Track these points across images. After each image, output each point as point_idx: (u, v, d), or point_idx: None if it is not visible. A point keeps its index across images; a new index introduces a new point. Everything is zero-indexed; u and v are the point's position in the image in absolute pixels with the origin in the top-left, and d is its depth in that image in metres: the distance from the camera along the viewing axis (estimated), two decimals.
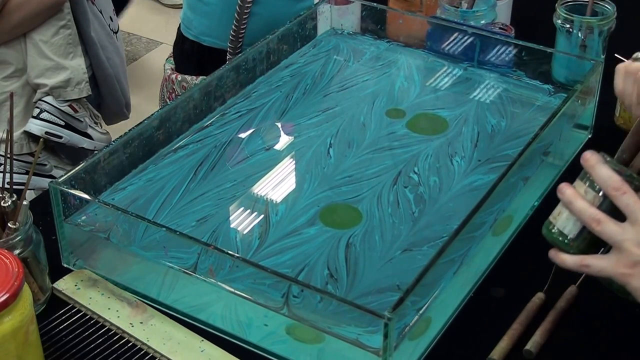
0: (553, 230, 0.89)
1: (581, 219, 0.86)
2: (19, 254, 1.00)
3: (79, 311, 1.05)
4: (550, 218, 0.90)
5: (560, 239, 0.89)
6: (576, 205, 0.86)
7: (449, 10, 1.47)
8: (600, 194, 0.86)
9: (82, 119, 1.72)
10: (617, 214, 0.85)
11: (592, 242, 0.87)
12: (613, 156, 0.90)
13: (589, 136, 1.36)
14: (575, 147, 1.33)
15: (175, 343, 1.00)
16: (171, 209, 1.17)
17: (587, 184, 0.87)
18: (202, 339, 1.01)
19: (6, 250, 0.92)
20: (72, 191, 1.09)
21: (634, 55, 1.27)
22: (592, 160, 0.86)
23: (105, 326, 1.03)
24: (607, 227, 0.84)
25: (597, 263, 0.86)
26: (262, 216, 1.16)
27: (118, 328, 1.03)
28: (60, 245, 1.12)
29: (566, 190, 0.88)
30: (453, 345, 1.02)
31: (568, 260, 0.88)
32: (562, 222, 0.89)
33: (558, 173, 1.27)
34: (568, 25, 1.42)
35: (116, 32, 1.85)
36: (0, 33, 1.62)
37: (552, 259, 0.90)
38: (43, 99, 1.67)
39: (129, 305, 1.05)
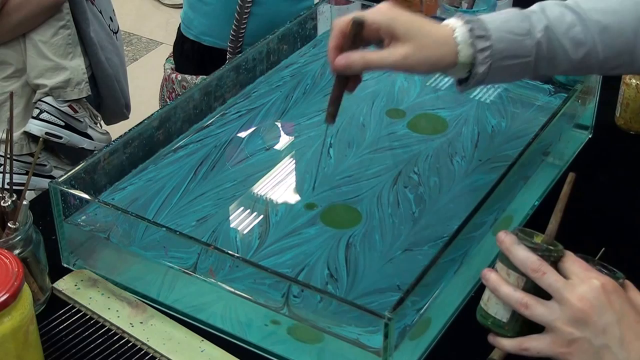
0: (486, 316, 0.89)
1: (509, 305, 0.86)
2: (18, 254, 1.00)
3: (79, 311, 1.05)
4: (481, 304, 0.89)
5: (495, 324, 0.88)
6: (502, 292, 0.86)
7: (449, 10, 1.47)
8: (522, 274, 0.85)
9: (81, 119, 1.72)
10: (542, 289, 0.84)
11: (526, 322, 0.86)
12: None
13: (589, 136, 1.36)
14: (575, 147, 1.33)
15: (175, 343, 1.00)
16: (171, 209, 1.17)
17: (508, 266, 0.86)
18: (202, 339, 1.01)
19: (6, 250, 0.92)
20: (72, 191, 1.09)
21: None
22: (507, 242, 0.86)
23: (105, 326, 1.03)
24: (536, 309, 0.84)
25: (534, 345, 0.85)
26: (262, 216, 1.16)
27: (118, 328, 1.03)
28: (60, 245, 1.12)
29: (490, 276, 0.87)
30: (453, 345, 1.02)
31: (507, 344, 0.87)
32: (492, 307, 0.88)
33: (558, 173, 1.27)
34: None
35: (116, 33, 1.85)
36: (0, 33, 1.62)
37: (492, 344, 0.89)
38: (43, 99, 1.67)
39: (129, 305, 1.05)
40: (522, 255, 0.85)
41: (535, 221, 1.19)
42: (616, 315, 0.81)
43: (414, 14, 1.00)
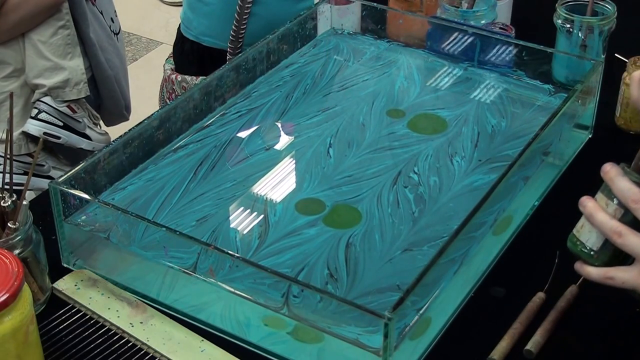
0: (577, 243, 0.90)
1: (602, 232, 0.87)
2: (18, 254, 1.00)
3: (79, 311, 1.05)
4: (574, 231, 0.91)
5: (584, 251, 0.89)
6: (597, 218, 0.87)
7: (449, 10, 1.47)
8: (621, 206, 0.86)
9: (80, 120, 1.72)
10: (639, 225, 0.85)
11: (615, 254, 0.87)
12: (630, 162, 0.90)
13: (589, 136, 1.36)
14: (575, 147, 1.33)
15: (175, 343, 1.00)
16: (171, 209, 1.17)
17: (608, 197, 0.87)
18: (202, 339, 1.01)
19: (6, 250, 0.92)
20: (72, 191, 1.09)
21: None
22: (612, 172, 0.87)
23: (105, 326, 1.03)
24: (629, 239, 0.84)
25: (620, 275, 0.86)
26: (261, 216, 1.16)
27: (118, 328, 1.03)
28: (60, 245, 1.12)
29: (587, 203, 0.88)
30: (453, 345, 1.02)
31: (593, 272, 0.88)
32: (585, 235, 0.89)
33: (558, 173, 1.27)
34: (568, 25, 1.42)
35: (117, 34, 1.85)
36: None
37: (578, 271, 0.90)
38: (41, 99, 1.67)
39: (129, 305, 1.05)
40: (625, 186, 0.85)
41: (536, 221, 1.19)
42: None
43: None
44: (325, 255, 1.09)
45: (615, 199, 0.87)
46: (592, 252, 0.89)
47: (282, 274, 0.97)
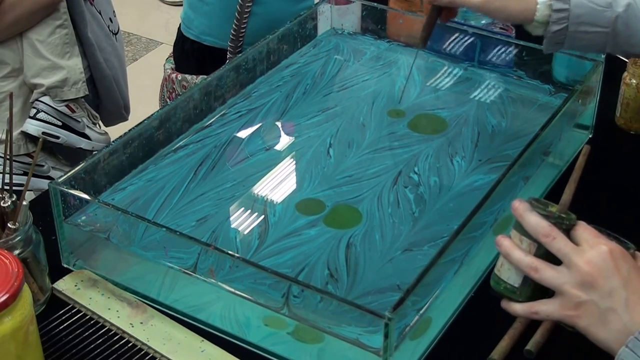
0: (499, 282, 0.91)
1: (520, 269, 0.88)
2: (18, 254, 1.00)
3: (79, 311, 1.05)
4: (495, 271, 0.92)
5: (508, 289, 0.90)
6: (513, 256, 0.88)
7: None
8: (535, 240, 0.87)
9: (79, 119, 1.72)
10: (554, 256, 0.86)
11: (537, 288, 0.88)
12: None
13: (590, 136, 1.36)
14: (575, 147, 1.33)
15: (175, 343, 1.00)
16: (171, 209, 1.17)
17: (521, 233, 0.88)
18: (202, 339, 1.01)
19: (6, 251, 0.92)
20: (72, 191, 1.09)
21: None
22: (520, 209, 0.88)
23: (105, 326, 1.03)
24: (545, 273, 0.86)
25: (543, 308, 0.87)
26: (262, 216, 1.16)
27: (118, 328, 1.03)
28: (60, 246, 1.12)
29: (503, 242, 0.89)
30: (453, 345, 1.02)
31: (518, 309, 0.89)
32: (505, 273, 0.90)
33: (558, 173, 1.27)
34: None
35: (116, 34, 1.85)
36: None
37: (505, 309, 0.91)
38: (40, 99, 1.67)
39: (129, 306, 1.05)
40: (534, 221, 0.87)
41: None
42: (622, 280, 0.83)
43: None
44: (326, 255, 1.09)
45: (527, 234, 0.87)
46: (514, 289, 0.90)
47: (282, 274, 0.97)
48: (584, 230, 0.87)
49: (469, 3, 1.15)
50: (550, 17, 1.10)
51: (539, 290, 0.88)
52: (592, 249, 0.84)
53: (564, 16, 1.10)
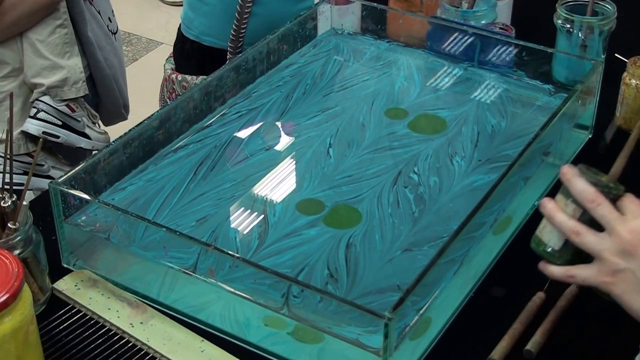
0: (540, 244, 0.93)
1: (562, 232, 0.90)
2: (19, 254, 1.00)
3: (79, 311, 1.05)
4: (537, 232, 0.94)
5: (547, 251, 0.92)
6: (556, 219, 0.90)
7: (450, 10, 1.47)
8: (579, 206, 0.89)
9: (79, 119, 1.72)
10: (598, 224, 0.87)
11: (577, 252, 0.90)
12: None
13: (589, 136, 1.36)
14: (575, 147, 1.33)
15: (175, 343, 1.00)
16: (171, 209, 1.17)
17: (566, 197, 0.90)
18: (202, 339, 1.01)
19: (6, 251, 0.92)
20: (72, 191, 1.09)
21: None
22: (569, 173, 0.90)
23: (105, 326, 1.03)
24: (586, 238, 0.87)
25: (580, 273, 0.89)
26: (261, 216, 1.16)
27: (118, 328, 1.03)
28: (60, 246, 1.12)
29: (547, 205, 0.91)
30: (453, 345, 1.02)
31: (555, 271, 0.91)
32: (547, 235, 0.92)
33: (558, 173, 1.27)
34: (568, 25, 1.42)
35: (115, 33, 1.85)
36: None
37: (542, 271, 0.93)
38: (40, 98, 1.67)
39: (129, 306, 1.05)
40: (581, 186, 0.88)
41: (536, 221, 1.19)
42: None
43: None
44: (326, 255, 1.09)
45: (573, 200, 0.89)
46: (554, 252, 0.92)
47: (282, 274, 0.97)
48: (630, 201, 0.88)
49: None
50: None
51: (578, 256, 0.89)
52: (636, 219, 0.86)
53: None
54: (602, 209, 0.87)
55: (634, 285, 0.85)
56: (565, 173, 0.90)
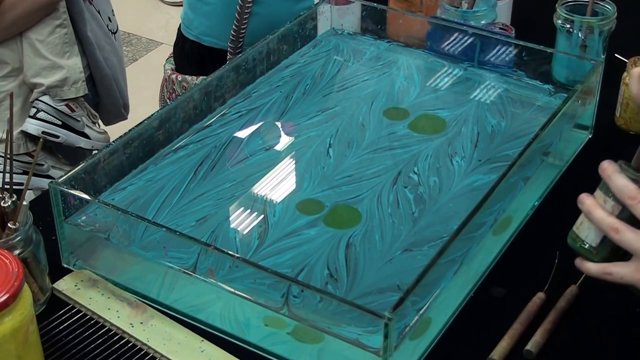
0: (577, 240, 0.92)
1: (600, 228, 0.88)
2: (19, 254, 1.00)
3: (79, 311, 1.05)
4: (574, 228, 0.93)
5: (584, 247, 0.91)
6: (595, 215, 0.88)
7: (449, 11, 1.47)
8: (619, 202, 0.87)
9: (79, 119, 1.72)
10: (637, 221, 0.86)
11: (614, 250, 0.89)
12: (630, 159, 0.91)
13: (589, 136, 1.36)
14: (575, 147, 1.33)
15: (175, 343, 1.00)
16: (171, 209, 1.17)
17: (605, 194, 0.89)
18: (202, 339, 1.01)
19: (6, 251, 0.92)
20: (72, 191, 1.09)
21: None
22: (609, 170, 0.88)
23: (105, 326, 1.03)
24: (625, 235, 0.86)
25: (618, 271, 0.87)
26: (261, 216, 1.16)
27: (118, 328, 1.03)
28: (60, 246, 1.12)
29: (586, 200, 0.89)
30: (453, 345, 1.02)
31: (592, 268, 0.90)
32: (584, 231, 0.91)
33: (558, 173, 1.27)
34: (568, 26, 1.42)
35: (115, 33, 1.85)
36: None
37: (578, 267, 0.92)
38: (40, 98, 1.67)
39: (129, 306, 1.05)
40: (622, 182, 0.86)
41: (536, 221, 1.19)
42: None
43: None
44: (325, 255, 1.09)
45: (612, 196, 0.88)
46: (591, 249, 0.90)
47: (282, 274, 0.97)
48: None
49: None
50: None
51: (615, 253, 0.88)
52: None
53: None
54: None
55: None
56: (605, 169, 0.88)
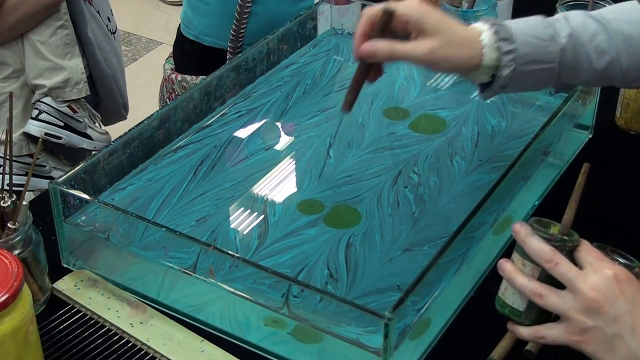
0: (504, 306, 0.91)
1: (524, 294, 0.88)
2: (18, 254, 1.00)
3: (79, 311, 1.05)
4: (499, 294, 0.92)
5: (513, 312, 0.90)
6: (517, 282, 0.87)
7: (450, 10, 1.47)
8: (537, 264, 0.87)
9: (81, 120, 1.72)
10: (558, 281, 0.86)
11: (542, 311, 0.88)
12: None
13: (589, 136, 1.36)
14: (575, 147, 1.33)
15: (175, 343, 1.00)
16: (171, 209, 1.17)
17: (523, 257, 0.88)
18: (202, 339, 1.01)
19: (6, 251, 0.92)
20: (72, 191, 1.09)
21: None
22: (522, 233, 0.87)
23: (105, 326, 1.03)
24: (549, 299, 0.85)
25: (550, 333, 0.87)
26: (261, 216, 1.16)
27: (118, 328, 1.03)
28: (60, 246, 1.12)
29: (505, 267, 0.89)
30: (453, 345, 1.02)
31: (524, 332, 0.89)
32: (509, 297, 0.90)
33: (558, 173, 1.27)
34: None
35: (114, 33, 1.85)
36: None
37: (511, 331, 0.91)
38: (42, 99, 1.67)
39: (129, 306, 1.05)
40: (536, 245, 0.86)
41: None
42: (628, 305, 0.82)
43: (443, 13, 1.01)
44: (325, 255, 1.09)
45: (529, 259, 0.87)
46: (519, 313, 0.89)
47: (282, 274, 0.97)
48: (587, 252, 0.86)
49: (412, 56, 0.99)
50: (500, 60, 0.99)
51: (544, 313, 0.87)
52: (596, 273, 0.84)
53: (512, 57, 0.99)
54: (561, 267, 0.84)
55: (604, 342, 0.83)
56: (517, 232, 0.88)
